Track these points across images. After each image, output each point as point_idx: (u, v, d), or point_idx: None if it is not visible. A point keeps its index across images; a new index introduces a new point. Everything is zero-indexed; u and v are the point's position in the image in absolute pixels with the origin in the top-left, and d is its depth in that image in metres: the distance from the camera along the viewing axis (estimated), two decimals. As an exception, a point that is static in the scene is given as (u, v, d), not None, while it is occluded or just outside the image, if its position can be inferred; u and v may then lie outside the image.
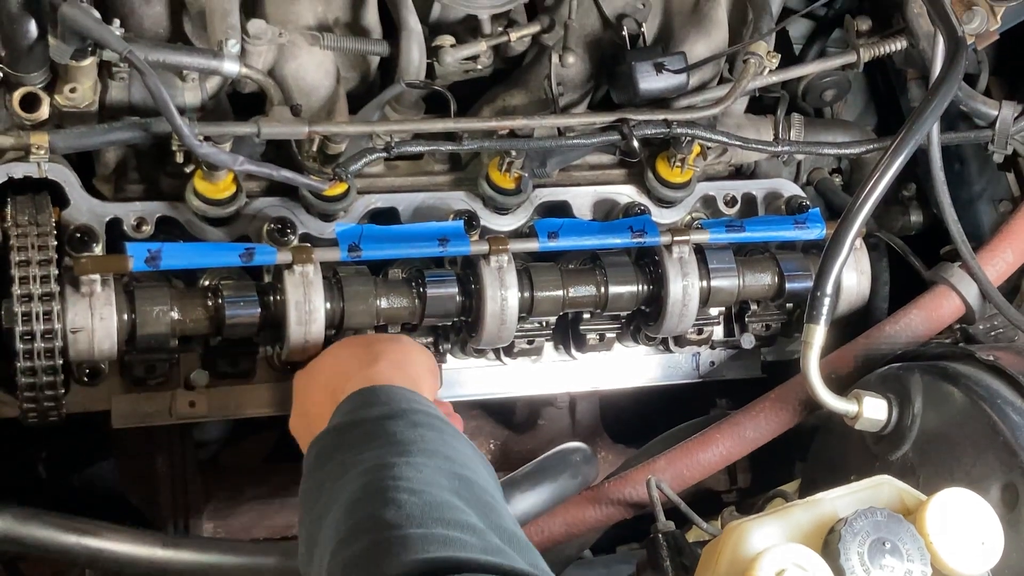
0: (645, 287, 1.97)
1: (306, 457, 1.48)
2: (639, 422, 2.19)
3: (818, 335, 1.68)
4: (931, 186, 2.00)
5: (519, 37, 2.01)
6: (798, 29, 2.50)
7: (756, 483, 2.24)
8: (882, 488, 1.52)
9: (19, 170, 1.77)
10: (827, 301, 1.67)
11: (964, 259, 1.92)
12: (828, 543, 1.43)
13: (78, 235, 1.79)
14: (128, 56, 1.65)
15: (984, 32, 2.00)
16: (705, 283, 1.98)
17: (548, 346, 2.06)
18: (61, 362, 1.71)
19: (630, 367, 2.12)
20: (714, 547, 1.48)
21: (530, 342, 1.99)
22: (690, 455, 1.89)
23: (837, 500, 1.51)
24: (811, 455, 1.95)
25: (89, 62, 1.74)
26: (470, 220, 1.96)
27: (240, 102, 1.96)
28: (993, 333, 1.92)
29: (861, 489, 1.52)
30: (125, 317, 1.76)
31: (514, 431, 2.25)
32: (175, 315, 1.79)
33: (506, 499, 1.62)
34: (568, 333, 2.06)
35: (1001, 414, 1.61)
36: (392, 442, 1.38)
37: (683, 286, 1.94)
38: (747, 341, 2.10)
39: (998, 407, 1.62)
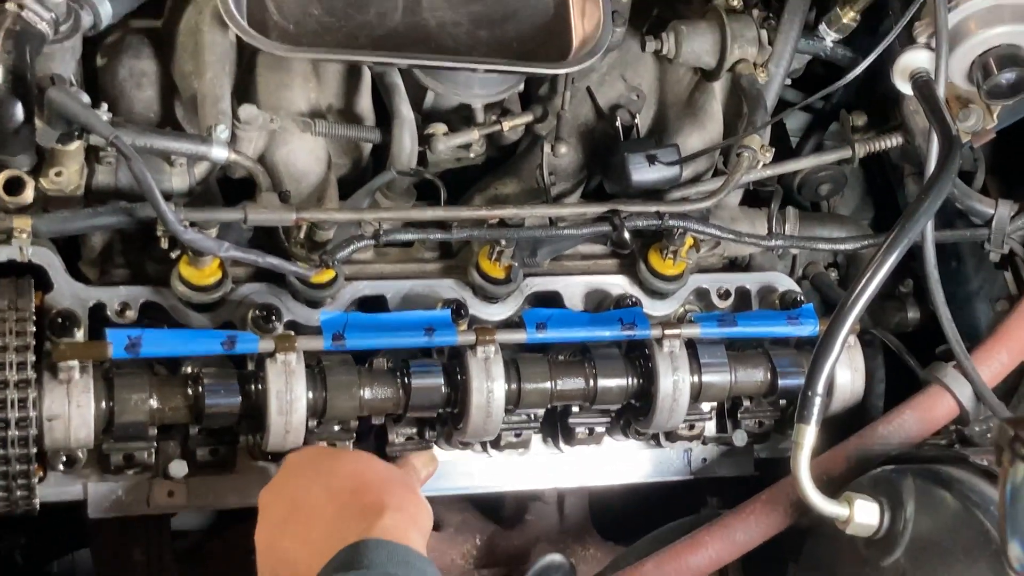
0: (635, 381, 1.93)
1: None
2: (629, 519, 2.14)
3: (808, 435, 1.64)
4: (927, 287, 1.97)
5: (512, 126, 2.01)
6: (795, 121, 2.49)
7: (748, 583, 2.19)
8: (872, 596, 1.49)
9: (2, 253, 1.75)
10: (818, 401, 1.64)
11: (958, 359, 1.89)
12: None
13: (59, 320, 1.76)
14: (114, 141, 1.65)
15: (980, 130, 1.98)
16: (696, 378, 1.94)
17: (536, 439, 2.02)
18: (35, 451, 1.67)
19: (620, 462, 2.07)
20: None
21: (517, 435, 1.95)
22: (679, 558, 1.84)
23: (826, 608, 1.47)
24: (802, 559, 1.91)
25: (76, 146, 1.73)
26: (458, 309, 1.93)
27: (230, 186, 1.94)
28: (989, 435, 1.89)
29: (850, 597, 1.49)
30: (103, 405, 1.72)
31: (501, 526, 2.21)
32: (154, 403, 1.75)
33: None
34: (557, 426, 2.02)
35: (994, 521, 1.56)
36: None
37: (673, 381, 1.91)
38: (739, 438, 2.06)
39: (991, 514, 1.57)
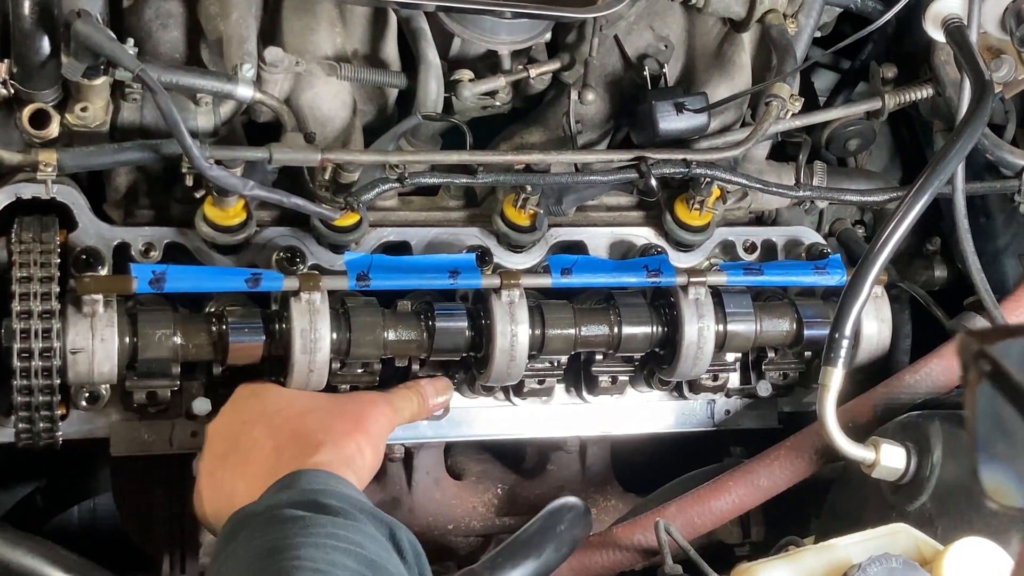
0: (659, 328, 1.92)
1: (220, 533, 1.45)
2: (651, 470, 2.13)
3: (835, 378, 1.63)
4: (955, 238, 1.95)
5: (539, 73, 1.99)
6: (824, 81, 2.47)
7: (770, 538, 2.17)
8: (898, 536, 1.47)
9: (27, 190, 1.75)
10: (845, 343, 1.63)
11: (987, 308, 1.87)
12: (840, 589, 1.38)
13: (84, 257, 1.76)
14: (140, 74, 1.63)
15: (1012, 81, 1.97)
16: (721, 327, 1.92)
17: (559, 388, 2.00)
18: (59, 382, 1.67)
19: (643, 413, 2.06)
20: (722, 591, 1.44)
21: (540, 382, 1.94)
22: (702, 502, 1.83)
23: (851, 547, 1.46)
24: (826, 508, 1.89)
25: (101, 81, 1.72)
26: (483, 255, 1.92)
27: (256, 132, 1.94)
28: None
29: (876, 536, 1.48)
30: (127, 340, 1.72)
31: (523, 475, 2.20)
32: (178, 339, 1.75)
33: None
34: (580, 376, 2.01)
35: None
36: (299, 525, 1.35)
37: (698, 328, 1.89)
38: (763, 388, 2.04)
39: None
